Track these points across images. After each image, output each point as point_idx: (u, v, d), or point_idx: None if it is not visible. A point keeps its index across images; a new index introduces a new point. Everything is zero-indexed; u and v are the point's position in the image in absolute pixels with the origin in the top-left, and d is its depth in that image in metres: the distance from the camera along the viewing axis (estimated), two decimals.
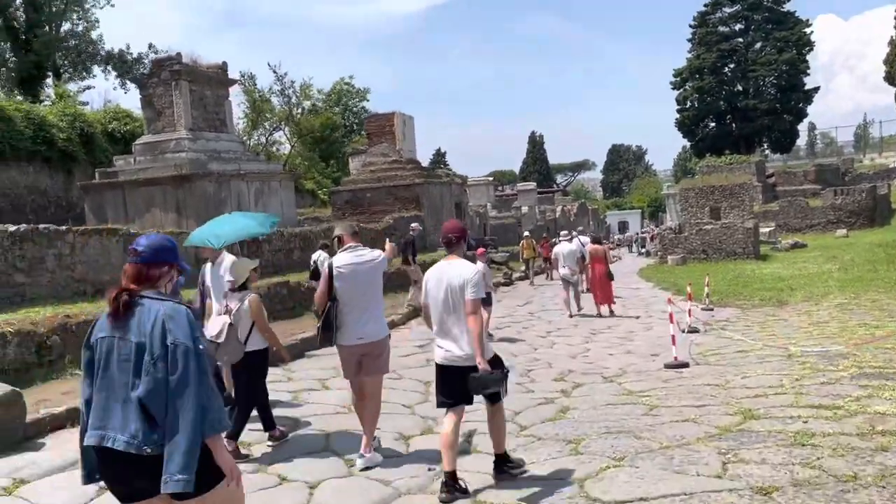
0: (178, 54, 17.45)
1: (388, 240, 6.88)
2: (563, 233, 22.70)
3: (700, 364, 9.38)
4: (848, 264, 23.03)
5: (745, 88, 64.28)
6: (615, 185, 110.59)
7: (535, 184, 59.25)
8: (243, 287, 6.04)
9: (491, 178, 55.80)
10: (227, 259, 6.55)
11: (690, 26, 66.03)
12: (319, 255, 13.53)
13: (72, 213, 18.85)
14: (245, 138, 28.54)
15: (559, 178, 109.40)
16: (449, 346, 4.97)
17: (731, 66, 64.33)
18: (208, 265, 6.76)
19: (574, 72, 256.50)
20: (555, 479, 5.13)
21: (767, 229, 38.57)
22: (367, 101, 52.45)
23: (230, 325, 5.80)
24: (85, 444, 2.96)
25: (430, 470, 5.50)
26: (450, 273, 5.00)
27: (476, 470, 5.39)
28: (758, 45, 63.97)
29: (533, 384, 8.69)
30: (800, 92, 62.80)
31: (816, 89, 65.36)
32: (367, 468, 5.56)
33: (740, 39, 64.46)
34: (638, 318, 14.87)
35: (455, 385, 4.92)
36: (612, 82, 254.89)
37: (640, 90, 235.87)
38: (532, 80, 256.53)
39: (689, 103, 65.40)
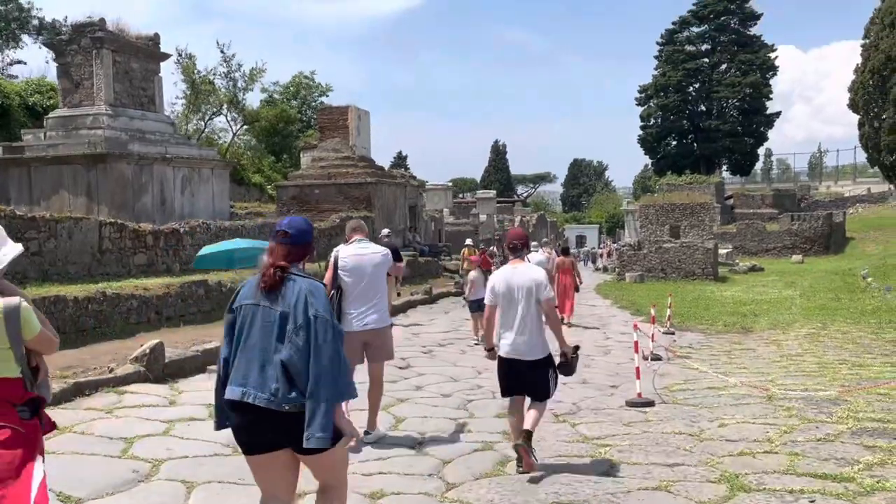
0: (102, 19, 15.60)
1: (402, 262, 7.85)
2: (532, 244, 21.33)
3: (667, 402, 8.00)
4: (808, 291, 22.29)
5: (708, 109, 64.11)
6: (575, 199, 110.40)
7: (494, 192, 58.04)
8: None
9: (450, 184, 54.47)
10: None
11: (657, 43, 65.75)
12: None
13: None
14: (181, 122, 26.50)
15: (520, 189, 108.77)
16: (516, 342, 5.45)
17: (696, 85, 64.08)
18: None
19: (539, 84, 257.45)
20: None
21: (725, 251, 38.07)
22: (328, 97, 50.69)
23: None
24: (225, 397, 3.22)
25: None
26: (519, 276, 5.51)
27: None
28: (723, 67, 63.88)
29: (472, 419, 7.22)
30: (761, 116, 62.81)
31: (778, 114, 65.61)
32: (373, 442, 6.15)
33: (706, 59, 64.32)
34: (598, 328, 13.54)
35: (519, 377, 5.51)
36: (577, 97, 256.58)
37: (604, 106, 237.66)
38: (498, 90, 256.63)
39: (652, 120, 64.95)
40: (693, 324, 15.88)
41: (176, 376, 8.49)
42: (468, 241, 22.47)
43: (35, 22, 28.41)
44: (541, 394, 5.54)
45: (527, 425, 5.49)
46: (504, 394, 5.72)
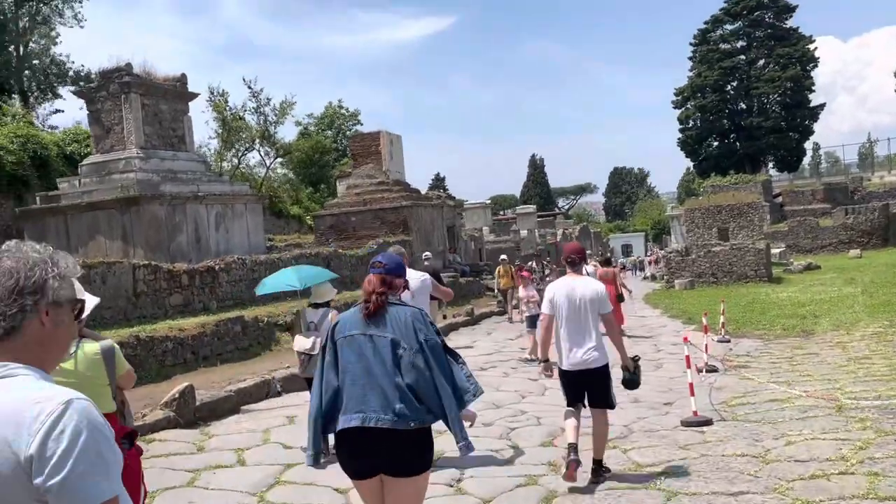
0: (128, 64, 15.72)
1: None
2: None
3: (726, 419, 7.41)
4: (870, 287, 21.18)
5: (748, 106, 62.53)
6: (617, 207, 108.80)
7: (534, 207, 57.36)
8: (325, 304, 6.95)
9: (488, 202, 54.09)
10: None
11: (691, 44, 64.62)
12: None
13: None
14: (216, 160, 26.70)
15: (561, 202, 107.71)
16: (578, 354, 5.52)
17: (734, 83, 62.60)
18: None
19: (573, 95, 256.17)
20: None
21: (777, 250, 36.80)
22: (360, 123, 50.99)
23: (318, 339, 6.41)
24: (343, 427, 3.34)
25: None
26: (580, 288, 5.59)
27: None
28: (760, 63, 62.35)
29: (514, 451, 6.74)
30: (805, 109, 61.03)
31: (822, 106, 63.72)
32: None
33: (742, 56, 62.86)
34: (648, 339, 12.89)
35: (580, 386, 5.61)
36: (612, 105, 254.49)
37: (641, 112, 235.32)
38: (532, 104, 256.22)
39: (691, 122, 63.63)
40: (749, 330, 15.12)
41: (208, 419, 8.22)
42: (502, 257, 21.79)
43: (71, 73, 29.16)
44: (607, 401, 5.67)
45: (596, 455, 5.63)
46: (570, 404, 5.77)
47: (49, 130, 26.19)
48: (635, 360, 5.87)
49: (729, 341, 13.57)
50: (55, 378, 2.55)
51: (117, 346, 3.48)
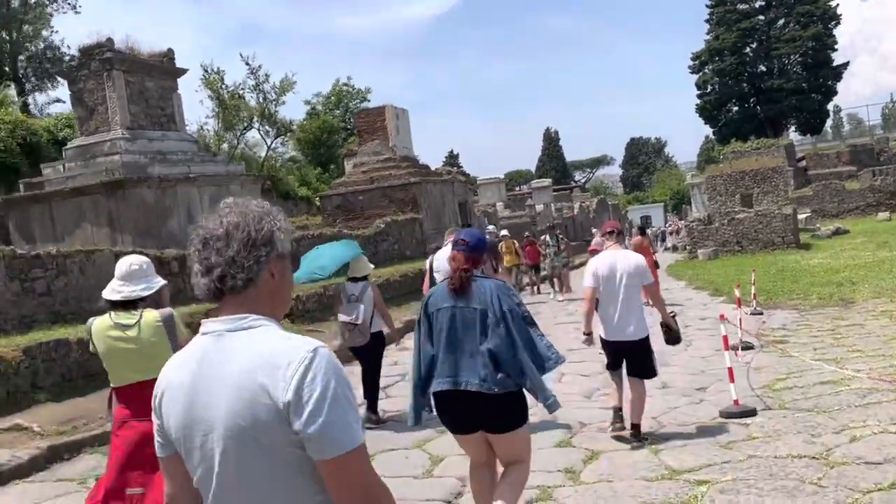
0: (109, 39, 14.74)
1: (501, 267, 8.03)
2: (594, 230, 19.52)
3: (771, 408, 6.39)
4: None
5: (768, 68, 60.36)
6: (635, 179, 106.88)
7: (550, 181, 55.97)
8: (364, 279, 7.11)
9: (502, 177, 52.79)
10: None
11: (707, 6, 62.34)
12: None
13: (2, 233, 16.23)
14: (214, 141, 25.71)
15: (577, 176, 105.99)
16: (617, 325, 5.71)
17: (753, 45, 60.33)
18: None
19: (587, 67, 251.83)
20: None
21: (804, 215, 35.49)
22: (369, 101, 49.73)
23: (362, 307, 6.77)
24: (435, 390, 3.75)
25: None
26: (622, 261, 5.77)
27: None
28: (780, 22, 60.05)
29: None
30: (828, 69, 58.75)
31: (846, 65, 61.40)
32: None
33: (761, 17, 60.54)
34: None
35: (622, 354, 5.81)
36: (626, 75, 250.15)
37: (656, 81, 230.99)
38: (545, 78, 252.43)
39: (709, 87, 61.56)
40: (782, 300, 14.03)
41: None
42: (503, 233, 19.55)
43: (67, 59, 28.30)
44: (647, 371, 5.85)
45: (634, 419, 5.78)
46: (609, 368, 6.03)
47: (42, 117, 25.39)
48: (672, 316, 6.15)
49: (762, 313, 12.50)
50: (120, 345, 3.36)
51: (176, 314, 3.65)
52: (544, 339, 3.74)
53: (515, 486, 3.81)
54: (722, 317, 6.84)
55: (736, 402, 6.29)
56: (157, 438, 1.71)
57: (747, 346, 9.21)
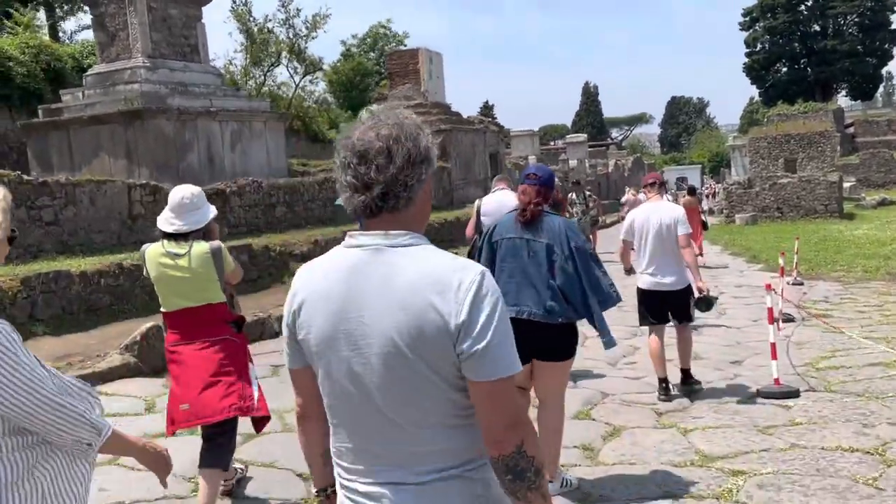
0: None
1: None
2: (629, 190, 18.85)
3: (816, 389, 5.77)
4: None
5: (823, 28, 57.70)
6: (674, 139, 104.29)
7: (585, 136, 54.54)
8: None
9: (537, 130, 51.57)
10: None
11: None
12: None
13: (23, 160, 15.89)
14: (242, 76, 25.01)
15: (614, 133, 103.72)
16: (656, 275, 5.75)
17: (808, 2, 57.62)
18: None
19: (631, 21, 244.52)
20: None
21: (848, 184, 34.08)
22: (405, 46, 48.50)
23: None
24: None
25: None
26: (659, 212, 5.78)
27: None
28: None
29: None
30: (885, 31, 56.01)
31: None
32: None
33: None
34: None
35: (658, 307, 5.82)
36: (672, 32, 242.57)
37: (703, 39, 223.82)
38: (587, 32, 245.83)
39: (759, 45, 59.14)
40: (825, 271, 13.26)
41: None
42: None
43: None
44: (685, 315, 5.88)
45: (683, 365, 5.96)
46: (642, 322, 6.02)
47: (70, 44, 24.87)
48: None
49: (802, 284, 11.76)
50: (171, 272, 3.68)
51: (224, 246, 3.82)
52: (607, 278, 3.82)
53: (559, 431, 4.00)
54: (768, 287, 6.19)
55: (776, 381, 5.69)
56: (288, 348, 1.68)
57: (788, 319, 8.57)
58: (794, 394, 5.58)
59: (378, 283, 1.51)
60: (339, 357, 1.55)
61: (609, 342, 3.90)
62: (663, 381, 5.74)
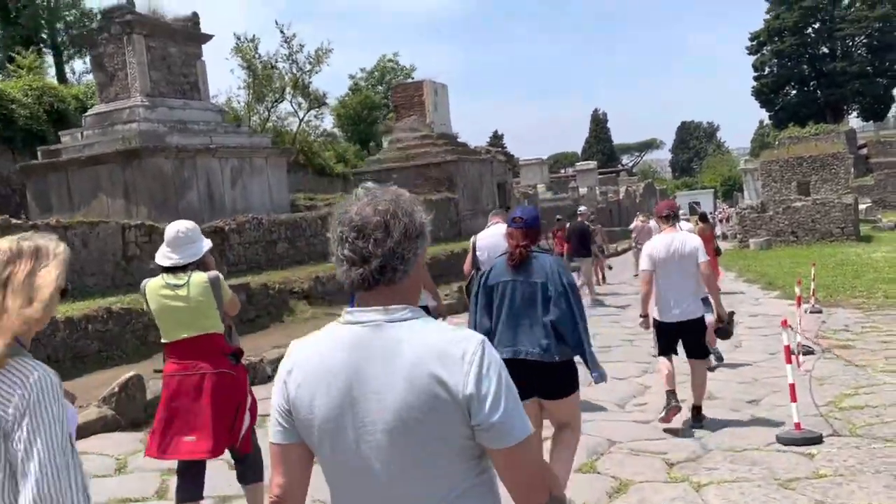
0: (130, 1, 14.09)
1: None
2: (639, 215, 18.58)
3: (841, 434, 5.32)
4: None
5: (831, 50, 57.43)
6: (685, 164, 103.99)
7: (595, 163, 54.36)
8: None
9: (546, 158, 51.42)
10: None
11: None
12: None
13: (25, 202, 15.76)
14: (245, 112, 25.00)
15: (625, 159, 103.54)
16: (676, 307, 5.72)
17: (815, 25, 57.43)
18: None
19: (638, 48, 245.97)
20: None
21: (864, 206, 33.56)
22: (412, 79, 48.72)
23: None
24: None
25: None
26: (678, 243, 5.78)
27: None
28: (845, 1, 57.09)
29: None
30: (895, 51, 55.70)
31: None
32: None
33: None
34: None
35: (677, 336, 5.86)
36: (680, 58, 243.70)
37: (711, 64, 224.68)
38: (595, 58, 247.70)
39: (767, 69, 58.92)
40: (843, 297, 12.76)
41: None
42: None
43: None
44: (701, 350, 5.87)
45: (696, 402, 5.90)
46: (661, 354, 5.96)
47: (76, 85, 24.98)
48: (731, 314, 6.11)
49: (821, 311, 11.28)
50: (171, 303, 3.84)
51: (221, 276, 3.93)
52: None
53: (571, 446, 4.06)
54: (784, 323, 5.76)
55: (797, 425, 5.25)
56: (278, 424, 1.64)
57: (807, 351, 8.10)
58: (818, 440, 5.13)
59: (381, 359, 1.53)
60: (345, 435, 1.55)
61: (599, 377, 3.97)
62: (671, 392, 5.72)
